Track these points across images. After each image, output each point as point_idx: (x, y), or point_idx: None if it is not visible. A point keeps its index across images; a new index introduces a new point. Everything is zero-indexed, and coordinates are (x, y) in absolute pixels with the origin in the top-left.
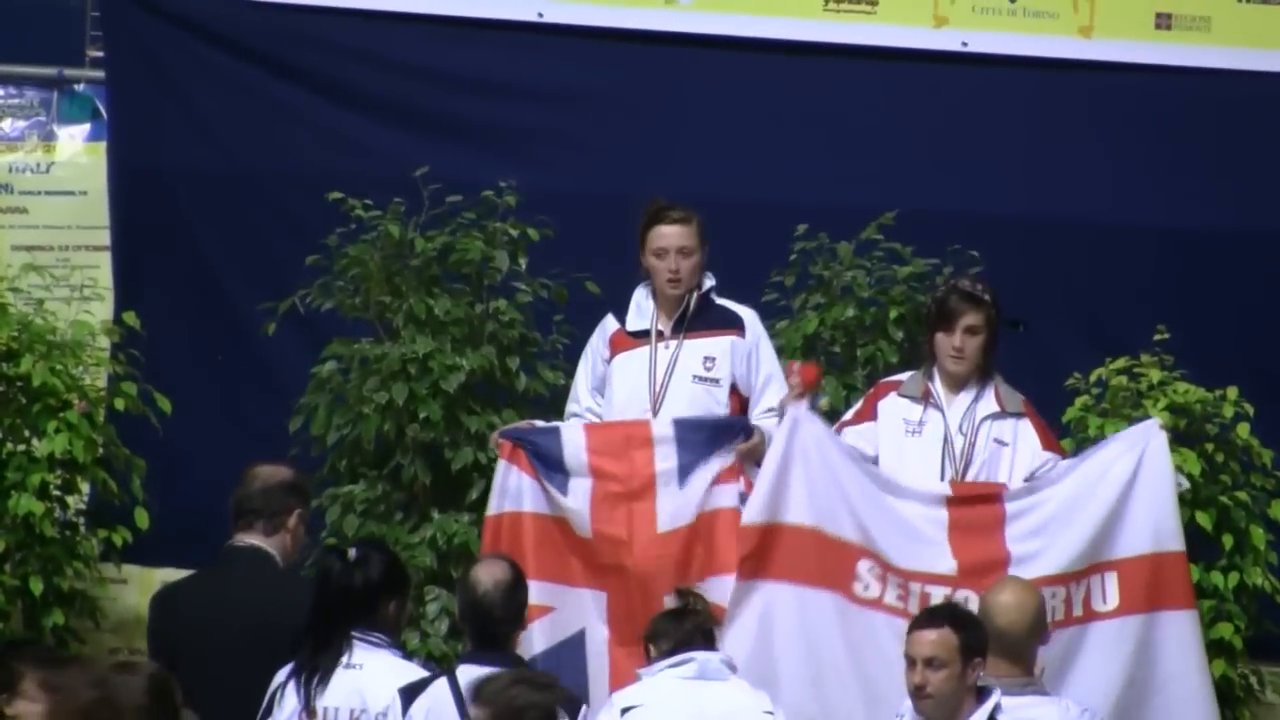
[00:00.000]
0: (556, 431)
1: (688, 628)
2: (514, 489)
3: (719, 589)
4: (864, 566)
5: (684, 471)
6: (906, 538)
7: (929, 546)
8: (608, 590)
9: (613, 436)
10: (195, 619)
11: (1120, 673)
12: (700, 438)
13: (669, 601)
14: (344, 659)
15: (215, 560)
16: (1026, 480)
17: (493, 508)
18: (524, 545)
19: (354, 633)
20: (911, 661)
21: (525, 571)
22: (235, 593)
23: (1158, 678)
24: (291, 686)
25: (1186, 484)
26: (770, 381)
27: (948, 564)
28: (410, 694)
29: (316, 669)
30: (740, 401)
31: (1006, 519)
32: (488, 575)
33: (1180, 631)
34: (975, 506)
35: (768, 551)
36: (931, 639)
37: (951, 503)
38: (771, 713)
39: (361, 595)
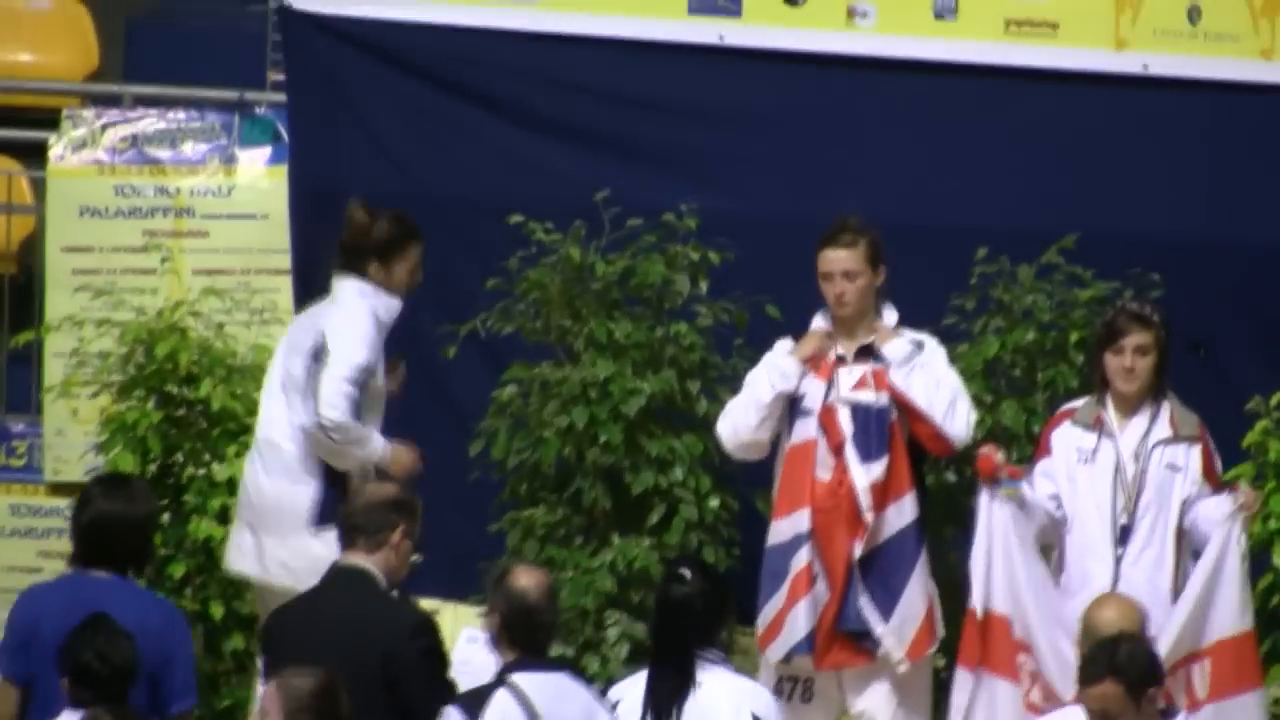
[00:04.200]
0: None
1: None
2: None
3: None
4: (1020, 659)
5: None
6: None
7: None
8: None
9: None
10: (296, 641)
11: None
12: None
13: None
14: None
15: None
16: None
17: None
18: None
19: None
20: None
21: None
22: (332, 614)
23: None
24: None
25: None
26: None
27: None
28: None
29: (672, 695)
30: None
31: None
32: (532, 581)
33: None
34: None
35: (984, 640)
36: (1095, 694)
37: None
38: None
39: (703, 616)
